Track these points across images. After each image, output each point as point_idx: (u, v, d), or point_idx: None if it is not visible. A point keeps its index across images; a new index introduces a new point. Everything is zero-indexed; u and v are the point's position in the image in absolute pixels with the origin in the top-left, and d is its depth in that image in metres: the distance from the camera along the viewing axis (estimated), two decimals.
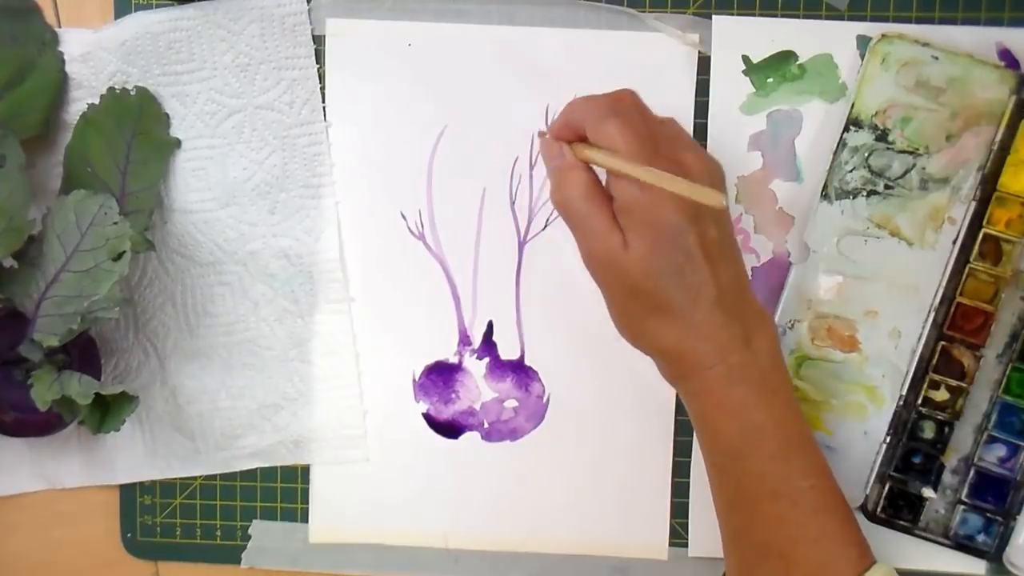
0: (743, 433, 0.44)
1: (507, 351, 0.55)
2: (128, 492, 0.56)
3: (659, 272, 0.43)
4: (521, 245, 0.54)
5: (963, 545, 0.52)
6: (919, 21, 0.52)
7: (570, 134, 0.46)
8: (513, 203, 0.54)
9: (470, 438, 0.55)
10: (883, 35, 0.51)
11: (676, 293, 0.44)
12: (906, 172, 0.51)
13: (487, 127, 0.54)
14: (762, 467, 0.44)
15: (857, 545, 0.44)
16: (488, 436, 0.55)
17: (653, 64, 0.53)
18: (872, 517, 0.52)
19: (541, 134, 0.48)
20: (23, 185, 0.48)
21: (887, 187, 0.51)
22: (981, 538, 0.52)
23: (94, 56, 0.53)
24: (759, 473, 0.44)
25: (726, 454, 0.45)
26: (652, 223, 0.43)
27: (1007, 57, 0.51)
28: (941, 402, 0.51)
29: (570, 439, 0.54)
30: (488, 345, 0.55)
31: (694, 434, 0.48)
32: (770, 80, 0.52)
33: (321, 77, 0.54)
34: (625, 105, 0.45)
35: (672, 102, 0.53)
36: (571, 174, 0.45)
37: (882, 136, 0.51)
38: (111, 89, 0.52)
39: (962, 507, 0.52)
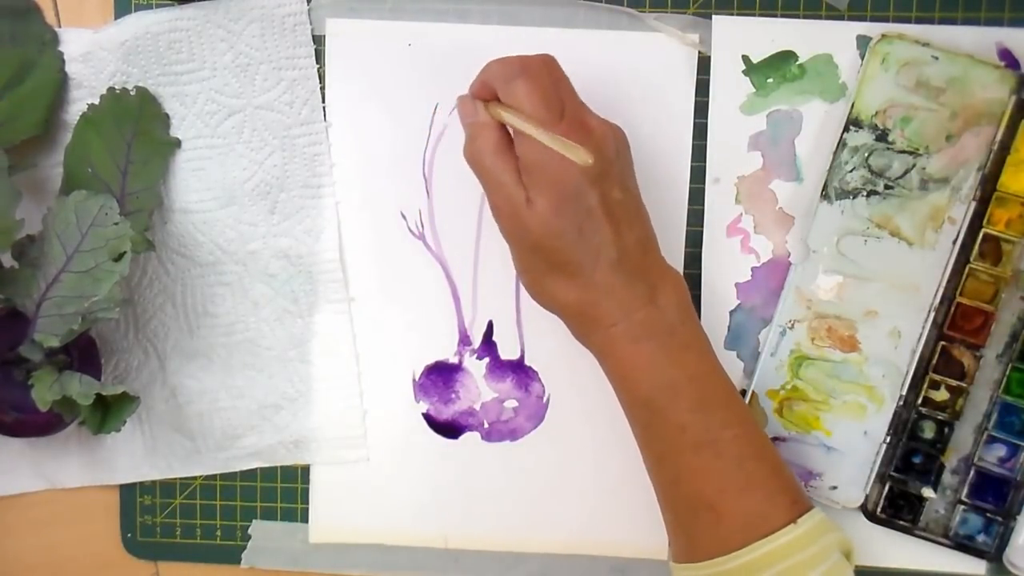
0: (657, 388, 0.45)
1: (507, 351, 0.55)
2: (128, 492, 0.56)
3: (560, 231, 0.44)
4: None
5: (963, 545, 0.52)
6: (919, 21, 0.52)
7: (486, 93, 0.47)
8: None
9: (470, 438, 0.55)
10: (883, 35, 0.51)
11: (576, 252, 0.44)
12: (906, 172, 0.51)
13: None
14: (682, 419, 0.44)
15: (787, 492, 0.44)
16: (488, 436, 0.55)
17: (653, 64, 0.53)
18: (872, 517, 0.52)
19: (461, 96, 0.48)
20: (8, 187, 0.48)
21: (887, 187, 0.51)
22: (981, 538, 0.52)
23: (94, 56, 0.53)
24: (680, 425, 0.44)
25: (645, 409, 0.45)
26: (554, 183, 0.44)
27: (1007, 57, 0.51)
28: (941, 402, 0.51)
29: (570, 439, 0.54)
30: (488, 345, 0.55)
31: None
32: (770, 80, 0.52)
33: (321, 77, 0.54)
34: (535, 67, 0.46)
35: (672, 102, 0.53)
36: (483, 130, 0.46)
37: (882, 136, 0.51)
38: (111, 89, 0.52)
39: (962, 507, 0.52)
